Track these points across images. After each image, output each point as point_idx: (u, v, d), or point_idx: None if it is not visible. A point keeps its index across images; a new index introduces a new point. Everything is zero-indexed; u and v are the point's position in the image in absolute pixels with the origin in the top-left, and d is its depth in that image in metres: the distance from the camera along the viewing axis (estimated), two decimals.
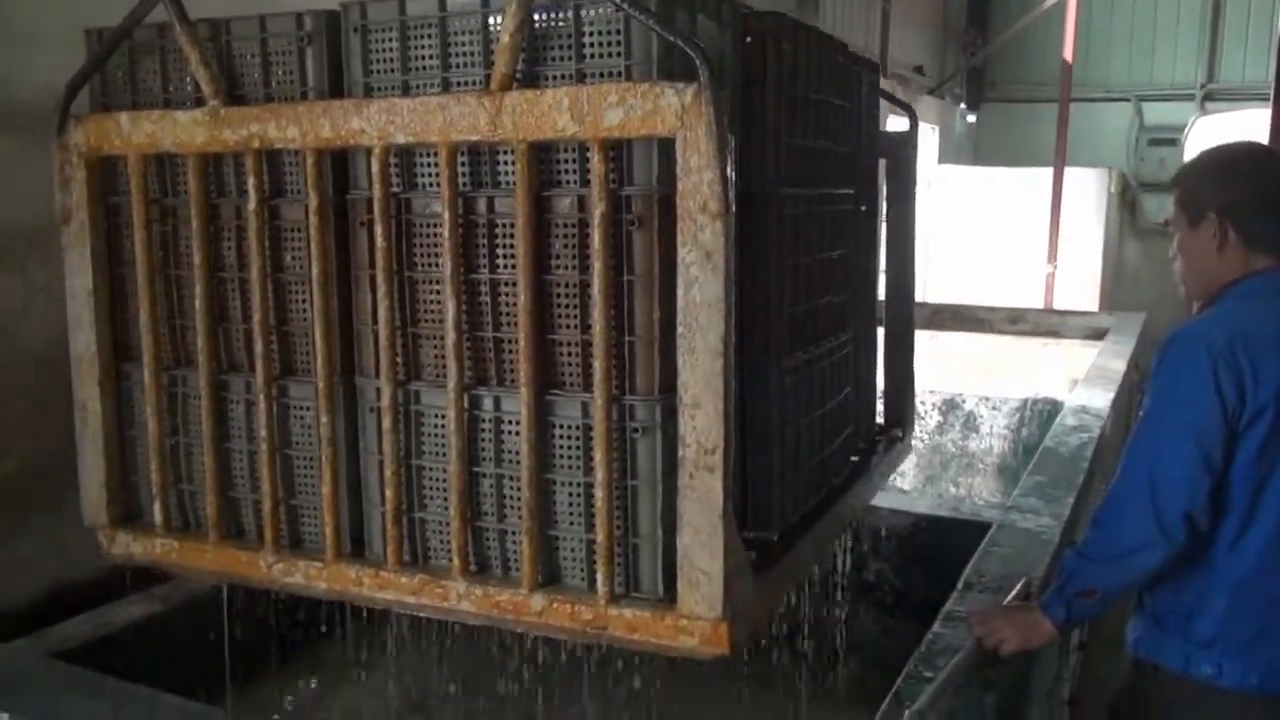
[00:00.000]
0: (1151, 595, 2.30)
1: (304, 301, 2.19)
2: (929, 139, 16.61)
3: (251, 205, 2.17)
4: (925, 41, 17.47)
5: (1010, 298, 9.96)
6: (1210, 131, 12.89)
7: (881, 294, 3.23)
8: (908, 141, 3.28)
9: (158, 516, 2.38)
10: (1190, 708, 2.25)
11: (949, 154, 17.75)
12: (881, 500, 4.32)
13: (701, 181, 1.67)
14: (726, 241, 1.68)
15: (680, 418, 1.75)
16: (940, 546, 3.78)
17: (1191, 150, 12.74)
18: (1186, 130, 13.89)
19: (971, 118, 19.72)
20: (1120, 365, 5.57)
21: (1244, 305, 2.22)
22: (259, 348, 2.20)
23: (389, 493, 2.07)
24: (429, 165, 2.01)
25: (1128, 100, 18.65)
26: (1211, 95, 18.28)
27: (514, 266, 1.90)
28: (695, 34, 1.85)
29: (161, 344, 2.34)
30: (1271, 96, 5.87)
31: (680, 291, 1.72)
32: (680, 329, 1.73)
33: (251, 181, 2.15)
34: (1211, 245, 2.25)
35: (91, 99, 2.40)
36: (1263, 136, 5.84)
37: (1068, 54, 12.19)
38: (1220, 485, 2.14)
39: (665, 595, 1.88)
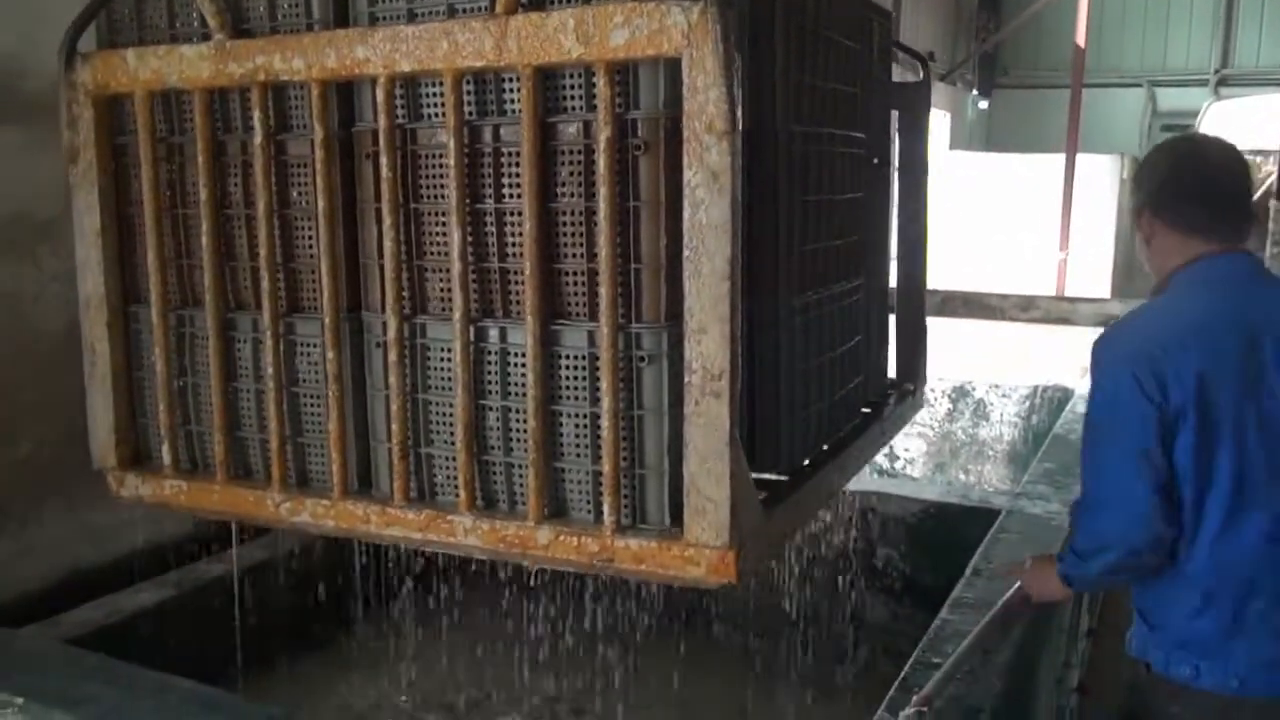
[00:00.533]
0: (1138, 593, 2.24)
1: (310, 237, 2.17)
2: (940, 125, 16.50)
3: (258, 140, 2.15)
4: (937, 27, 17.35)
5: (1022, 284, 9.91)
6: (1224, 116, 12.76)
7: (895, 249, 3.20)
8: (919, 92, 3.24)
9: (166, 458, 2.38)
10: (1176, 707, 2.16)
11: (961, 140, 17.68)
12: (891, 487, 4.34)
13: (708, 101, 1.64)
14: (733, 162, 1.66)
15: (686, 343, 1.74)
16: (950, 533, 3.80)
17: (1207, 134, 12.57)
18: (1200, 115, 13.75)
19: (983, 104, 19.61)
20: None
21: (1177, 296, 2.19)
22: (265, 285, 2.19)
23: (395, 428, 2.06)
24: (435, 95, 1.99)
25: (1140, 86, 18.52)
26: (1226, 80, 18.13)
27: (519, 196, 1.89)
28: None
29: (169, 284, 2.34)
30: None
31: (686, 214, 1.70)
32: (686, 252, 1.71)
33: (257, 116, 2.14)
34: (1147, 240, 2.27)
35: (99, 38, 2.39)
36: (1278, 120, 5.74)
37: (1080, 39, 12.07)
38: (1170, 486, 2.06)
39: (672, 525, 1.87)
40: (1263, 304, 2.13)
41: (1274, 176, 5.82)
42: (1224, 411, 2.04)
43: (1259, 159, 9.16)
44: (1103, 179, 11.75)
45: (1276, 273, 3.57)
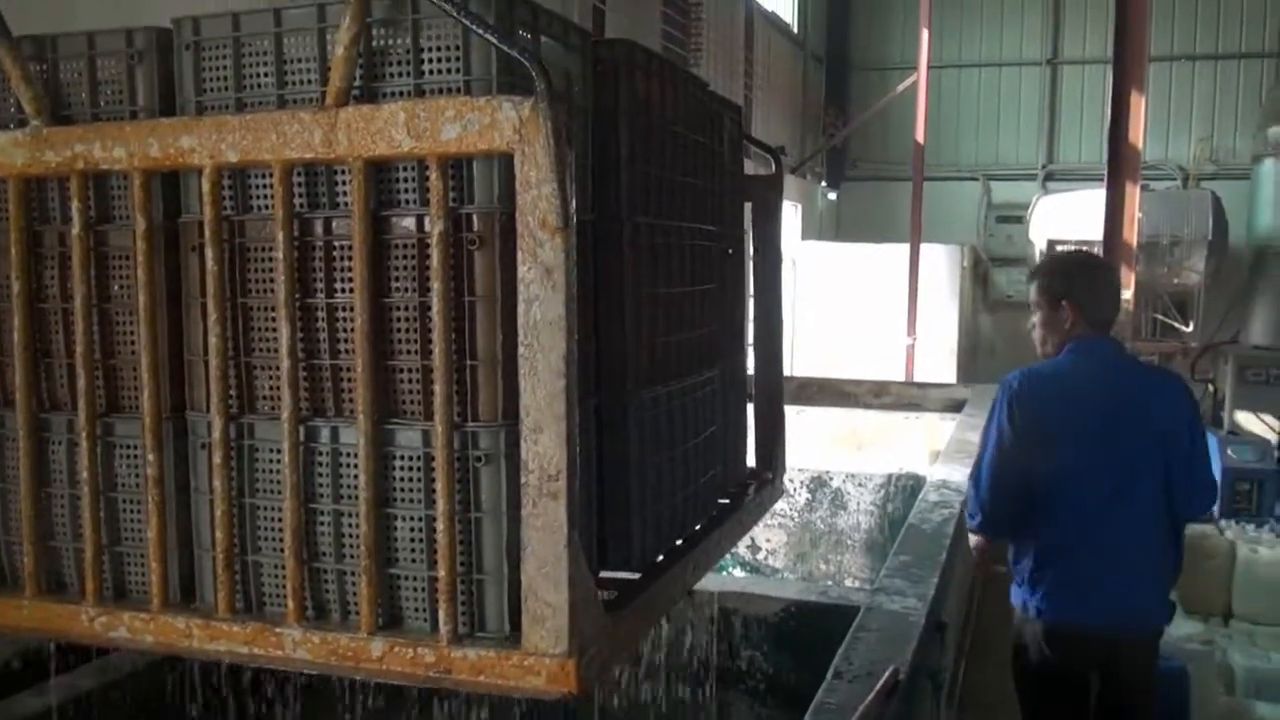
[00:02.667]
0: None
1: (132, 333, 2.05)
2: (792, 216, 17.15)
3: (75, 230, 2.03)
4: (786, 121, 18.18)
5: (873, 369, 10.29)
6: (1052, 209, 13.64)
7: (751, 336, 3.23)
8: (772, 184, 3.31)
9: None
10: (1017, 634, 3.46)
11: (812, 230, 18.45)
12: (752, 585, 4.35)
13: (540, 196, 1.62)
14: (567, 258, 1.63)
15: (522, 442, 1.68)
16: (812, 632, 3.83)
17: (1036, 226, 13.52)
18: (1031, 208, 14.70)
19: (832, 195, 20.56)
20: (977, 438, 5.76)
21: (1067, 358, 3.41)
22: (82, 383, 2.05)
23: (219, 534, 1.94)
24: (263, 186, 1.92)
25: (977, 179, 19.67)
26: (1052, 175, 19.51)
27: (351, 290, 1.82)
28: (538, 52, 1.81)
29: None
30: (1105, 177, 6.21)
31: (521, 310, 1.66)
32: (521, 349, 1.66)
33: (76, 205, 2.02)
34: (1065, 321, 3.40)
35: None
36: (1099, 213, 6.25)
37: (919, 136, 12.76)
38: (1024, 480, 3.31)
39: (511, 634, 1.79)
40: (1127, 379, 3.47)
41: None
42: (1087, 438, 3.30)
43: (1085, 248, 9.76)
44: (944, 267, 12.37)
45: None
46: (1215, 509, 6.96)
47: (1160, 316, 11.01)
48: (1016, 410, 3.31)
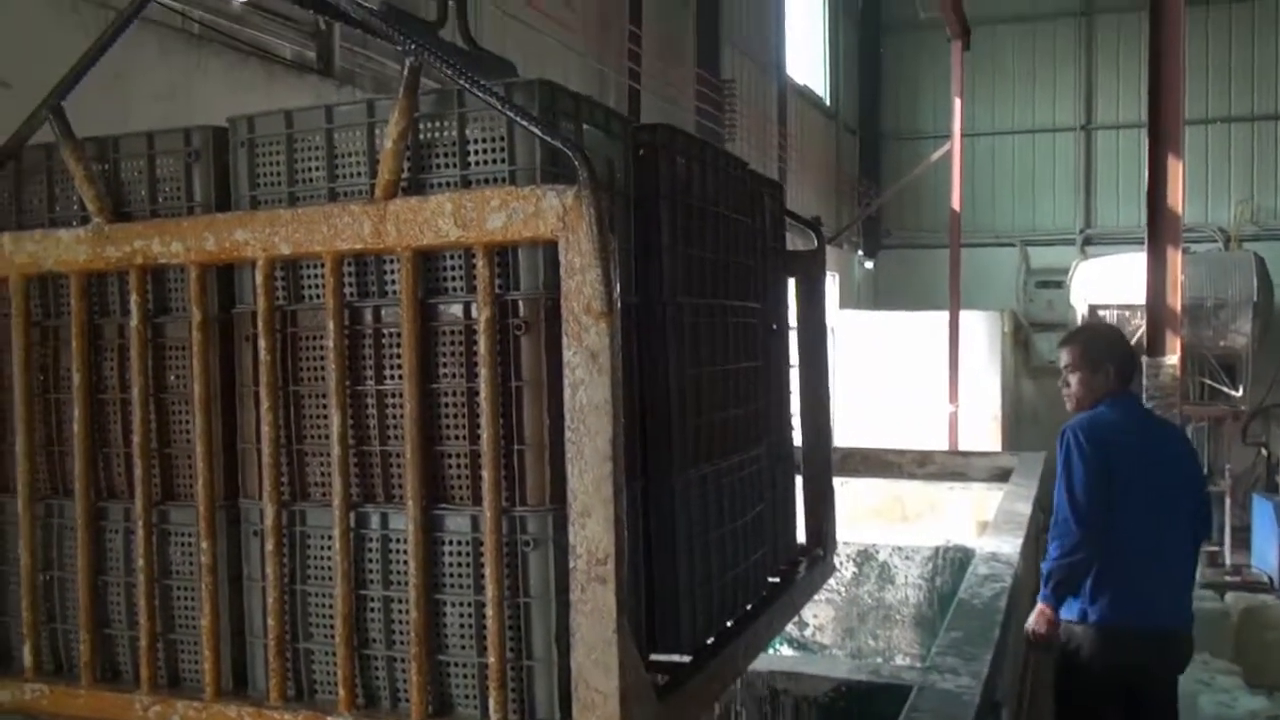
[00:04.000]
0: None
1: (187, 422, 2.10)
2: (830, 286, 17.23)
3: (134, 323, 2.09)
4: (820, 193, 18.37)
5: (916, 438, 10.21)
6: (1092, 274, 13.59)
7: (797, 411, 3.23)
8: (814, 259, 3.34)
9: (28, 659, 2.21)
10: (1071, 641, 4.11)
11: (850, 300, 18.50)
12: (801, 664, 4.28)
13: (585, 282, 1.65)
14: (612, 342, 1.65)
15: (570, 527, 1.69)
16: (863, 712, 3.75)
17: (1076, 291, 13.47)
18: (1070, 273, 14.64)
19: (869, 264, 20.63)
20: (1025, 509, 5.71)
21: (1109, 410, 4.21)
22: (139, 472, 2.09)
23: (271, 621, 1.95)
24: (315, 277, 1.97)
25: (1014, 245, 19.66)
26: (1090, 239, 19.43)
27: (400, 377, 1.85)
28: (580, 141, 1.86)
29: (38, 472, 2.22)
30: (1145, 241, 6.18)
31: (567, 394, 1.68)
32: (568, 433, 1.68)
33: (135, 299, 2.09)
34: (1106, 382, 4.21)
35: None
36: (1140, 276, 6.27)
37: (955, 203, 12.79)
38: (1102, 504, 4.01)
39: None
40: (1155, 426, 4.46)
41: (1141, 330, 6.14)
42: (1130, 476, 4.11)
43: (1127, 313, 9.68)
44: (984, 334, 12.30)
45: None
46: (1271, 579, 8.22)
47: (1208, 380, 10.85)
48: (1088, 448, 4.07)
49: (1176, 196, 5.96)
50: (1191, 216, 13.27)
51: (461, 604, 1.84)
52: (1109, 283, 11.94)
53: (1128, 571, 4.03)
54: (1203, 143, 18.34)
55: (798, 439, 3.19)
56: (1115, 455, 4.09)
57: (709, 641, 2.31)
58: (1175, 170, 5.94)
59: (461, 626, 1.84)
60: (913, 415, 11.55)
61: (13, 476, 2.22)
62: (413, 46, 1.79)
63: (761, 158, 14.48)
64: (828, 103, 19.57)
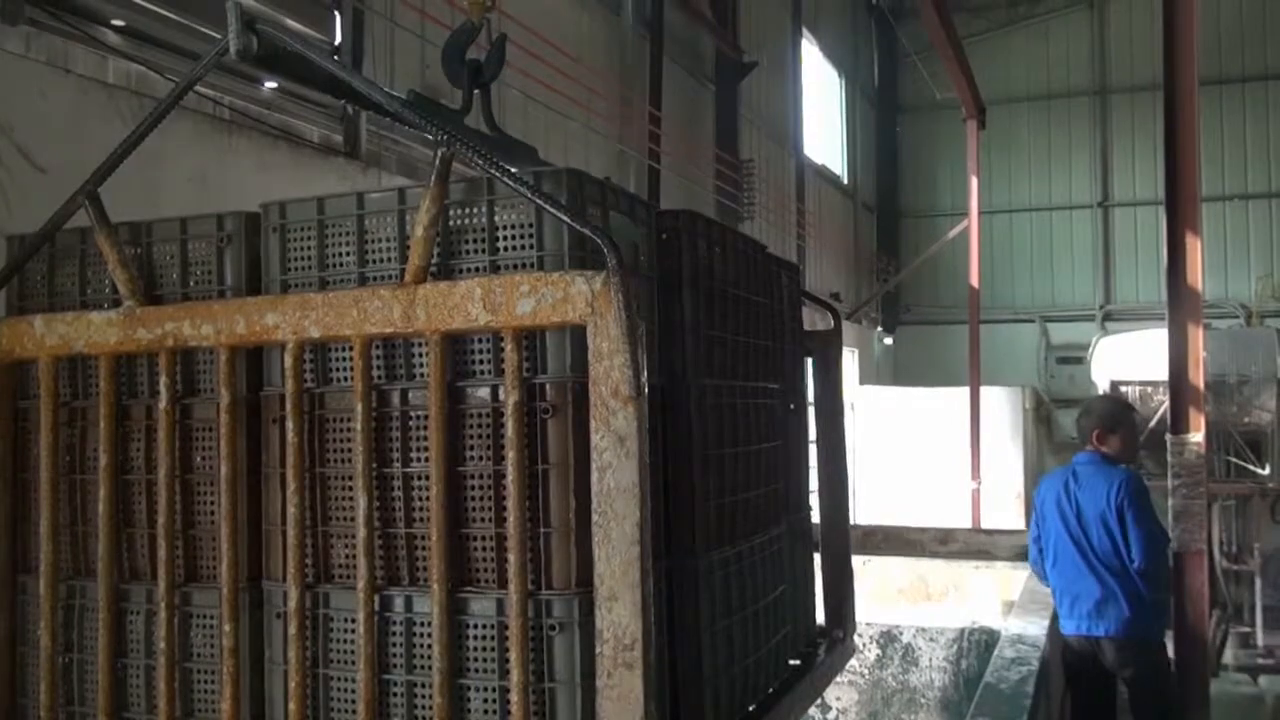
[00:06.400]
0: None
1: (212, 503, 2.11)
2: (849, 362, 17.27)
3: (163, 404, 2.11)
4: (839, 269, 18.50)
5: (938, 515, 10.09)
6: (1113, 349, 13.53)
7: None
8: (831, 338, 3.35)
9: None
10: None
11: (869, 375, 18.52)
12: None
13: (613, 366, 1.66)
14: (640, 426, 1.65)
15: (597, 611, 1.67)
16: None
17: (1098, 367, 13.41)
18: (1091, 349, 14.57)
19: (888, 340, 20.66)
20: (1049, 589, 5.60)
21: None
22: (163, 553, 2.09)
23: (293, 706, 1.93)
24: (343, 359, 1.99)
25: (1033, 321, 19.66)
26: (1110, 315, 19.42)
27: (427, 460, 1.86)
28: (607, 227, 1.89)
29: (61, 552, 2.23)
30: (1166, 317, 6.17)
31: (594, 478, 1.68)
32: (595, 517, 1.67)
33: (164, 380, 2.11)
34: (1124, 438, 5.16)
35: (9, 303, 2.38)
36: (1161, 352, 6.24)
37: (974, 280, 12.81)
38: None
39: None
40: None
41: (1165, 407, 6.12)
42: None
43: (1149, 389, 9.63)
44: (1006, 410, 12.21)
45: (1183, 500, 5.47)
46: None
47: (1233, 458, 10.73)
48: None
49: (1196, 273, 5.95)
50: (1212, 292, 13.29)
51: (486, 689, 1.82)
52: (1130, 358, 11.89)
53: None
54: (1221, 219, 18.42)
55: (815, 517, 3.18)
56: None
57: None
58: (1194, 247, 5.94)
59: (486, 712, 1.82)
60: (934, 492, 11.44)
61: (35, 556, 2.23)
62: (444, 137, 1.83)
63: (780, 235, 14.61)
64: (845, 181, 19.79)
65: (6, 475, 2.29)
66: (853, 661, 5.63)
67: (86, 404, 2.26)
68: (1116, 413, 5.32)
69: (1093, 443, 5.10)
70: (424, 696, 1.85)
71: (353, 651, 1.91)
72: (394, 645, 1.90)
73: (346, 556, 1.95)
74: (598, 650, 1.68)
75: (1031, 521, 5.27)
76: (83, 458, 2.26)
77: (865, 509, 11.15)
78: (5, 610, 2.27)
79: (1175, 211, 6.11)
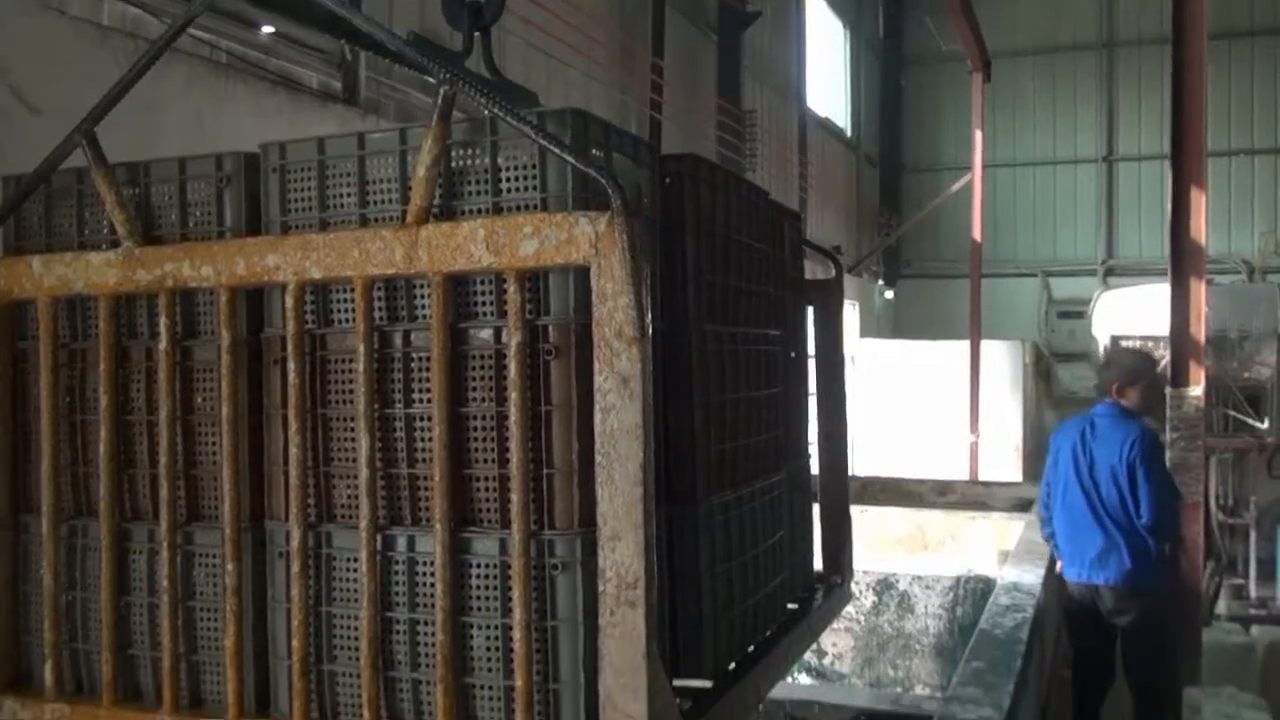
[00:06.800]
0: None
1: (214, 444, 2.11)
2: (849, 315, 17.24)
3: (163, 345, 2.11)
4: (841, 222, 18.40)
5: (936, 468, 10.14)
6: (1114, 305, 13.51)
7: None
8: (832, 288, 3.34)
9: (49, 679, 2.21)
10: None
11: (870, 328, 18.48)
12: (821, 693, 4.24)
13: (616, 308, 1.65)
14: (644, 368, 1.65)
15: (600, 551, 1.68)
16: None
17: (1098, 322, 13.39)
18: (1092, 304, 14.55)
19: (889, 294, 20.60)
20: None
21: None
22: (164, 493, 2.10)
23: (296, 644, 1.95)
24: (345, 300, 1.98)
25: (1035, 275, 19.58)
26: (1112, 270, 19.35)
27: (429, 400, 1.86)
28: (611, 169, 1.87)
29: (62, 492, 2.23)
30: (1168, 272, 6.14)
31: (598, 419, 1.68)
32: (599, 458, 1.68)
33: (164, 321, 2.10)
34: (1144, 392, 5.16)
35: (5, 243, 2.36)
36: (1163, 307, 6.21)
37: (976, 233, 12.76)
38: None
39: None
40: None
41: (1165, 361, 6.11)
42: None
43: (1150, 344, 9.62)
44: (1006, 364, 12.23)
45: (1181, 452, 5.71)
46: None
47: (1232, 412, 10.77)
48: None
49: (1200, 228, 5.93)
50: (1215, 248, 13.25)
51: (488, 627, 1.83)
52: (1131, 313, 11.89)
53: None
54: (1226, 174, 18.30)
55: (814, 467, 3.19)
56: None
57: (730, 667, 2.29)
58: (1198, 202, 5.92)
59: (488, 649, 1.83)
60: (933, 445, 11.49)
61: (37, 497, 2.24)
62: (447, 75, 1.81)
63: (782, 188, 14.52)
64: (848, 134, 19.64)
65: (7, 416, 2.29)
66: (849, 608, 5.68)
67: (86, 345, 2.25)
68: (1138, 366, 5.31)
69: (1112, 395, 5.13)
70: (427, 634, 1.87)
71: (355, 590, 1.92)
72: (396, 584, 1.91)
73: (349, 496, 1.96)
74: (600, 589, 1.69)
75: (1046, 465, 5.37)
76: (83, 399, 2.26)
77: (864, 461, 11.20)
78: (8, 549, 2.29)
79: (1180, 165, 6.08)
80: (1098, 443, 5.04)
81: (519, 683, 1.77)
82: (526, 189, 1.84)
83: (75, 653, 2.24)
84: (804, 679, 5.69)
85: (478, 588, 1.85)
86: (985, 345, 11.88)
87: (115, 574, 2.15)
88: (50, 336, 2.21)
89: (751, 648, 2.44)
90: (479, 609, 1.85)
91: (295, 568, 1.96)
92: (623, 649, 1.67)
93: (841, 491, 3.28)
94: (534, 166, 1.83)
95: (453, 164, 1.89)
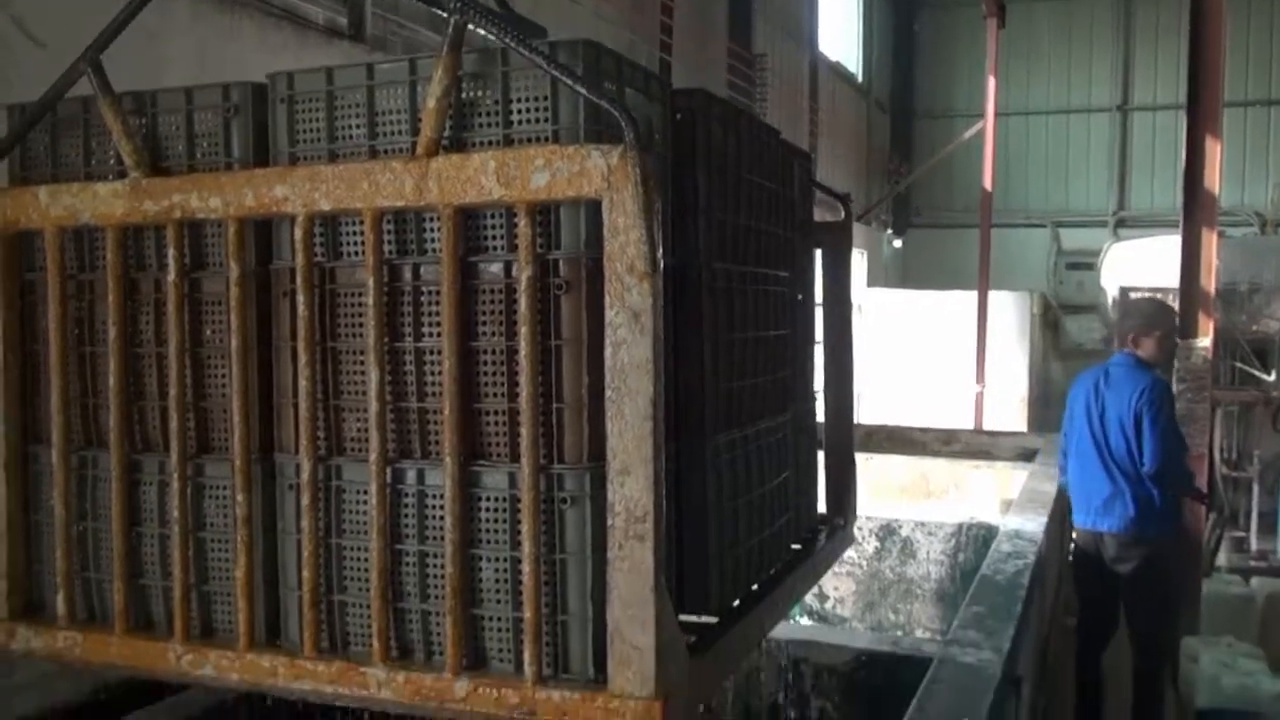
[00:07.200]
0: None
1: (223, 376, 2.11)
2: (858, 264, 17.12)
3: (171, 277, 2.10)
4: (850, 169, 18.21)
5: (941, 417, 10.16)
6: (1124, 256, 13.43)
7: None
8: (841, 230, 3.31)
9: (61, 608, 2.24)
10: None
11: (878, 278, 18.38)
12: (822, 634, 4.29)
13: (628, 242, 1.64)
14: (655, 302, 1.65)
15: (609, 485, 1.69)
16: (882, 682, 3.76)
17: (1108, 273, 13.31)
18: (1102, 255, 14.45)
19: (898, 243, 20.46)
20: (1050, 488, 5.68)
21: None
22: (174, 425, 2.11)
23: (306, 574, 1.97)
24: (354, 233, 1.97)
25: (1045, 226, 19.43)
26: (1124, 221, 19.21)
27: (439, 334, 1.85)
28: (624, 101, 1.85)
29: (72, 424, 2.24)
30: (1180, 223, 6.10)
31: (608, 354, 1.68)
32: (609, 392, 1.68)
33: (172, 253, 2.09)
34: (1160, 342, 5.15)
35: (11, 174, 2.35)
36: (1173, 259, 6.19)
37: (987, 183, 12.66)
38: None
39: (596, 676, 1.79)
40: None
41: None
42: None
43: (1159, 296, 9.59)
44: (1013, 314, 12.21)
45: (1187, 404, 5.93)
46: None
47: (1239, 364, 10.74)
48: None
49: (1214, 177, 5.88)
50: (1227, 199, 13.10)
51: (497, 559, 1.85)
52: (1142, 265, 11.82)
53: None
54: (1241, 125, 18.07)
55: (819, 412, 3.19)
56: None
57: (735, 604, 2.31)
58: (1213, 150, 5.87)
59: (497, 582, 1.85)
60: (939, 395, 11.51)
61: (47, 428, 2.24)
62: (457, 4, 1.78)
63: (792, 134, 14.27)
64: (860, 79, 19.39)
65: (15, 347, 2.29)
66: (851, 553, 5.73)
67: (93, 277, 2.24)
68: (1155, 315, 5.31)
69: (1128, 345, 5.17)
70: (436, 566, 1.88)
71: (365, 522, 1.93)
72: (406, 517, 1.92)
73: (358, 430, 1.96)
74: (609, 523, 1.70)
75: (1064, 414, 5.51)
76: (91, 330, 2.26)
77: (870, 410, 11.23)
78: (17, 479, 2.30)
79: (1196, 113, 6.02)
80: (1110, 392, 5.10)
81: (527, 614, 1.79)
82: (538, 121, 1.82)
83: (87, 582, 2.26)
84: (806, 622, 5.74)
85: (487, 521, 1.86)
86: (993, 295, 11.85)
87: (126, 505, 2.17)
88: (58, 267, 2.20)
89: (756, 586, 2.46)
90: (488, 542, 1.86)
91: (305, 500, 1.97)
92: (631, 582, 1.68)
93: (846, 434, 3.28)
94: (545, 99, 1.81)
95: (463, 95, 1.87)
